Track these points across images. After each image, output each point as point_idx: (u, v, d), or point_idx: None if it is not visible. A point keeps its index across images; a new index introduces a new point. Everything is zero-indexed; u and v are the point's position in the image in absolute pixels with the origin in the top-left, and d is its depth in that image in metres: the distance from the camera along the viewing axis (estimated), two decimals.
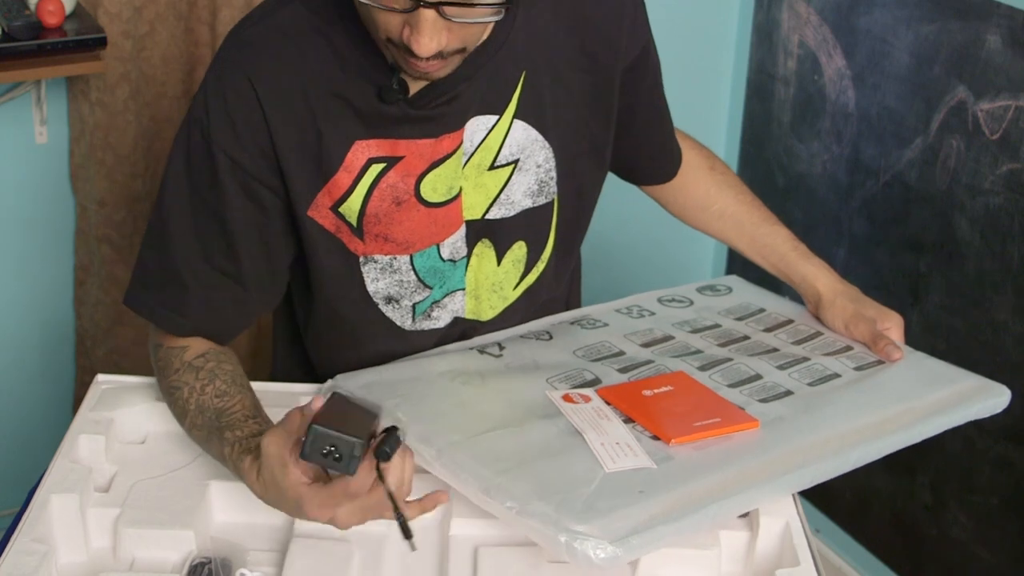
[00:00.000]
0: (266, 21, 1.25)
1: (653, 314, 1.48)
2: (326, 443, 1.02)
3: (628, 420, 1.22)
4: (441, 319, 1.38)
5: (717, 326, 1.44)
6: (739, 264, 2.70)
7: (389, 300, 1.35)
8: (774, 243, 1.52)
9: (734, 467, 1.14)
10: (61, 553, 1.14)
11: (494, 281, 1.38)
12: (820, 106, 2.38)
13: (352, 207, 1.28)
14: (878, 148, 2.24)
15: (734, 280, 1.61)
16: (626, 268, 2.65)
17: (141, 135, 2.16)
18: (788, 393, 1.28)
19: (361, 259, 1.32)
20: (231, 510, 1.20)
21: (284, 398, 1.31)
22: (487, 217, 1.34)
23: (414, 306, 1.36)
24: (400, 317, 1.37)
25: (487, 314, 1.40)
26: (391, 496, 1.07)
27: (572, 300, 1.57)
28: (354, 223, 1.29)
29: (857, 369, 1.34)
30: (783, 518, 1.18)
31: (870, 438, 1.22)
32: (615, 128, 1.41)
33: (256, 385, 1.33)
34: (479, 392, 1.28)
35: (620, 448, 1.16)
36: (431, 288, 1.35)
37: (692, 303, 1.52)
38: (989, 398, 1.32)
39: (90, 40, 1.98)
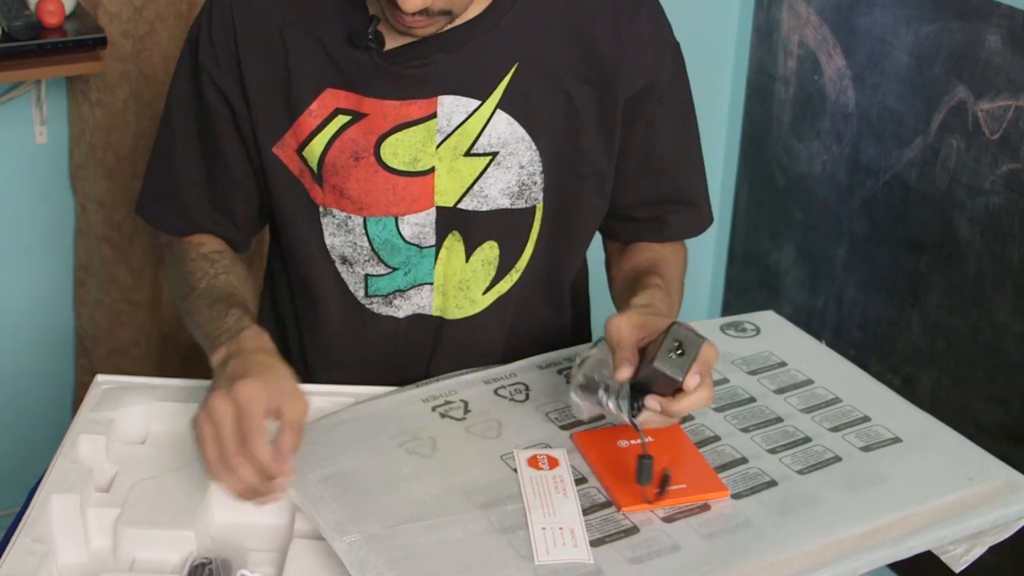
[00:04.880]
0: None
1: None
2: (680, 337, 1.09)
3: (584, 480, 1.16)
4: (402, 310, 1.38)
5: (724, 381, 1.34)
6: (734, 289, 2.70)
7: (344, 260, 1.36)
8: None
9: None
10: (61, 553, 1.14)
11: (461, 278, 1.36)
12: (820, 106, 2.38)
13: (313, 152, 1.31)
14: (878, 148, 2.24)
15: (767, 317, 1.47)
16: None
17: (141, 135, 2.16)
18: (771, 484, 1.17)
19: (321, 210, 1.34)
20: (231, 510, 1.20)
21: None
22: (459, 207, 1.32)
23: (367, 277, 1.36)
24: (353, 283, 1.37)
25: (453, 312, 1.38)
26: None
27: (580, 331, 1.53)
28: (315, 169, 1.32)
29: (864, 450, 1.23)
30: None
31: (845, 555, 1.08)
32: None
33: None
34: (422, 465, 1.17)
35: (562, 535, 1.09)
36: (392, 268, 1.35)
37: None
38: (1016, 501, 1.17)
39: (90, 40, 1.98)
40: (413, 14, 1.16)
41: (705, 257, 2.78)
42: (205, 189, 1.37)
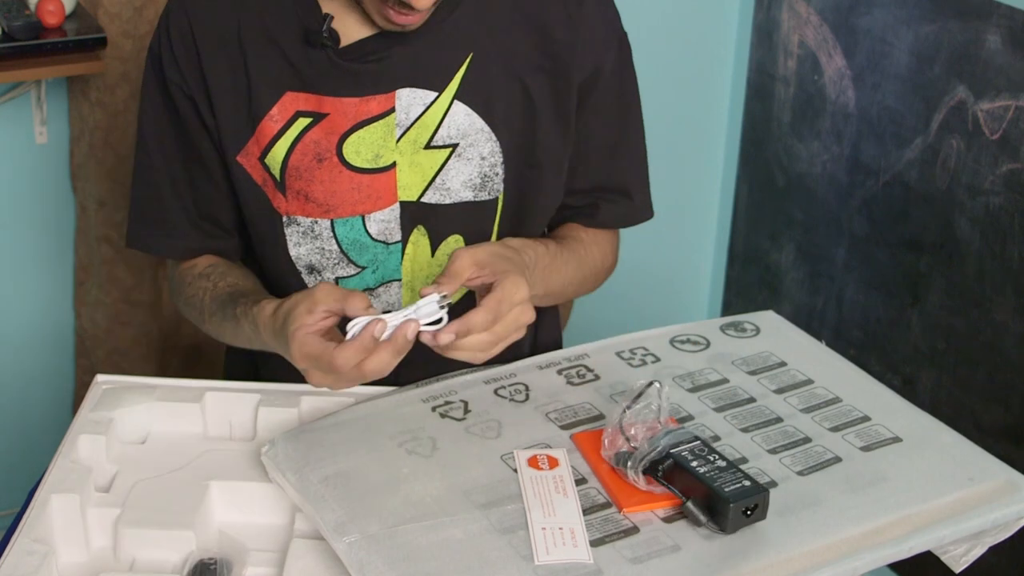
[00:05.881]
0: None
1: (658, 360, 1.36)
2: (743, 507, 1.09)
3: (584, 481, 1.16)
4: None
5: (724, 381, 1.33)
6: (734, 289, 2.70)
7: (311, 270, 1.36)
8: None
9: None
10: (61, 553, 1.14)
11: (428, 273, 1.36)
12: (820, 106, 2.38)
13: (276, 157, 1.31)
14: (878, 148, 2.24)
15: (767, 317, 1.47)
16: (623, 288, 2.64)
17: None
18: (771, 484, 1.16)
19: (284, 219, 1.34)
20: (231, 510, 1.20)
21: (287, 398, 1.31)
22: (423, 200, 1.32)
23: (337, 280, 1.36)
24: None
25: None
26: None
27: (547, 322, 1.53)
28: (277, 176, 1.31)
29: (864, 450, 1.23)
30: None
31: (845, 555, 1.08)
32: None
33: (258, 386, 1.33)
34: (422, 465, 1.17)
35: (562, 535, 1.09)
36: (360, 268, 1.35)
37: (708, 345, 1.40)
38: (1016, 501, 1.17)
39: (90, 40, 1.98)
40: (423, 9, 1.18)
41: (705, 257, 2.78)
42: (191, 204, 1.37)
